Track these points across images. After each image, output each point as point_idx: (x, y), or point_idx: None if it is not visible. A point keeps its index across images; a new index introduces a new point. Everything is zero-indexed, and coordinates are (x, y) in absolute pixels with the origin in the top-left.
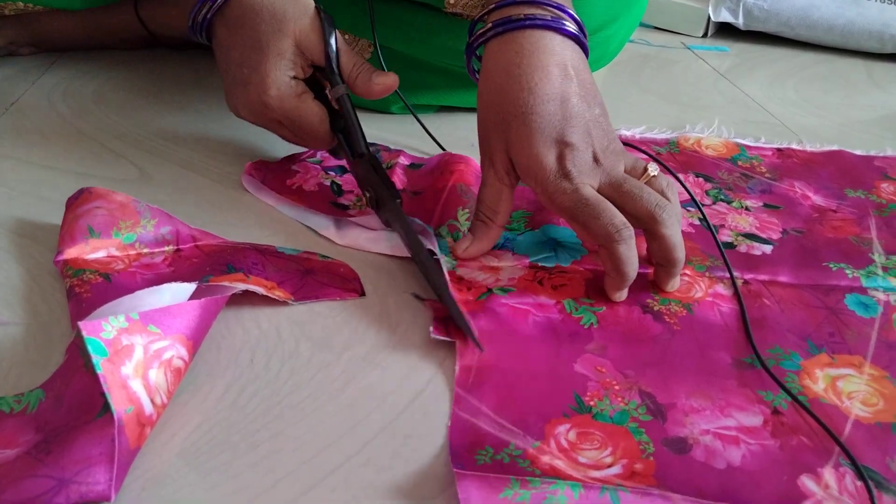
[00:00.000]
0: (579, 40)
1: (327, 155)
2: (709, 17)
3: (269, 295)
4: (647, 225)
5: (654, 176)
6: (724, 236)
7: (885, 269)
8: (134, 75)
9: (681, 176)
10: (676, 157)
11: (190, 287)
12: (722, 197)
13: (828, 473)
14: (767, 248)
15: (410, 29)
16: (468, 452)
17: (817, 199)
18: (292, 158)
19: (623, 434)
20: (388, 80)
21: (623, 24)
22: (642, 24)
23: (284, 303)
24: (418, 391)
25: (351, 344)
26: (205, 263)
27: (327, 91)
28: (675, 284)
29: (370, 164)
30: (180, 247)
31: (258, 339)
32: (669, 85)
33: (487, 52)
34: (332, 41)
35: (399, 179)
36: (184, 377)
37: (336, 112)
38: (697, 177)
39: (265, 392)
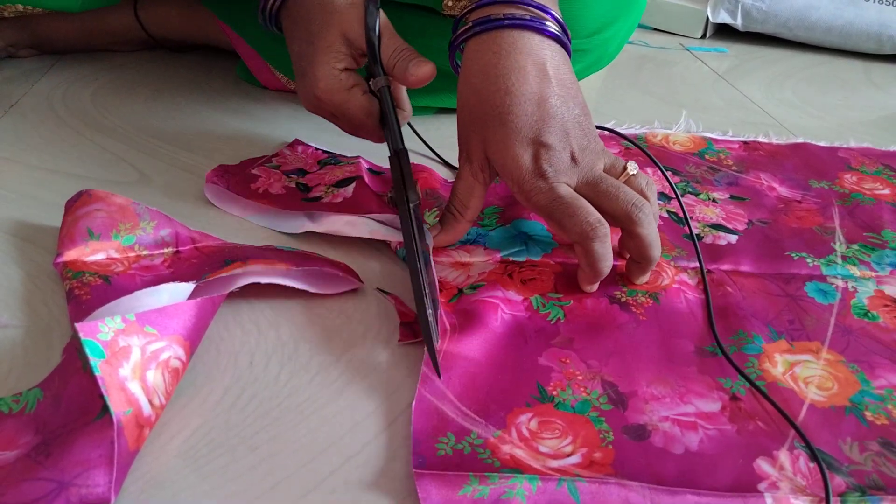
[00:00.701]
0: (560, 40)
1: (283, 160)
2: (707, 19)
3: (270, 267)
4: (623, 224)
5: (632, 175)
6: (692, 227)
7: (844, 257)
8: (133, 77)
9: (650, 170)
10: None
11: (188, 287)
12: (690, 189)
13: (783, 456)
14: (733, 238)
15: (409, 31)
16: (430, 439)
17: (783, 191)
18: (252, 162)
19: (583, 423)
20: (423, 71)
21: (622, 26)
22: (641, 26)
23: (284, 303)
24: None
25: (350, 346)
26: (203, 264)
27: (370, 82)
28: (645, 278)
29: (397, 162)
30: (180, 249)
31: (257, 340)
32: (668, 86)
33: (467, 51)
34: (375, 28)
35: (365, 172)
36: (182, 379)
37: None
38: (667, 169)
39: (264, 394)
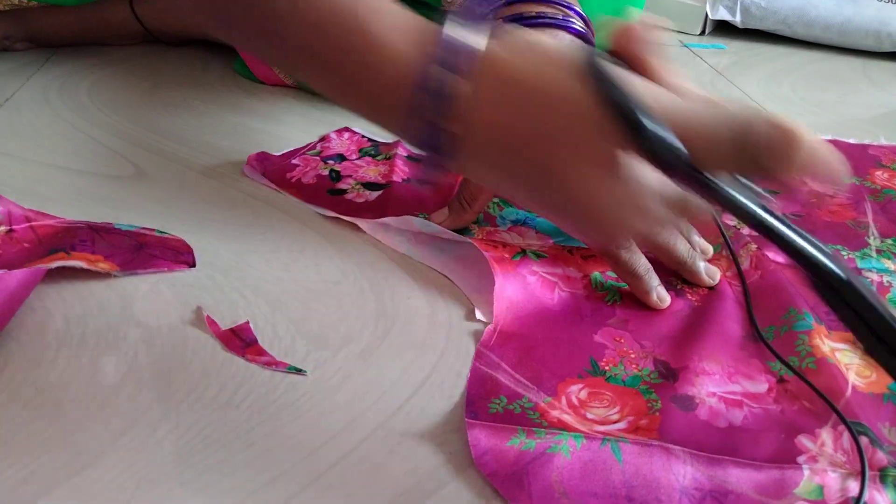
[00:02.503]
0: (586, 38)
1: (327, 145)
2: (706, 15)
3: (92, 268)
4: (674, 268)
5: None
6: (728, 219)
7: (879, 251)
8: (130, 71)
9: None
10: None
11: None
12: None
13: (825, 433)
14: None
15: None
16: (482, 400)
17: (814, 185)
18: (294, 153)
19: (633, 395)
20: None
21: None
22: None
23: (281, 298)
24: (414, 389)
25: (347, 341)
26: (36, 248)
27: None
28: (706, 276)
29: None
30: (13, 227)
31: (255, 336)
32: None
33: None
34: None
35: (401, 170)
36: (178, 374)
37: None
38: None
39: (260, 390)
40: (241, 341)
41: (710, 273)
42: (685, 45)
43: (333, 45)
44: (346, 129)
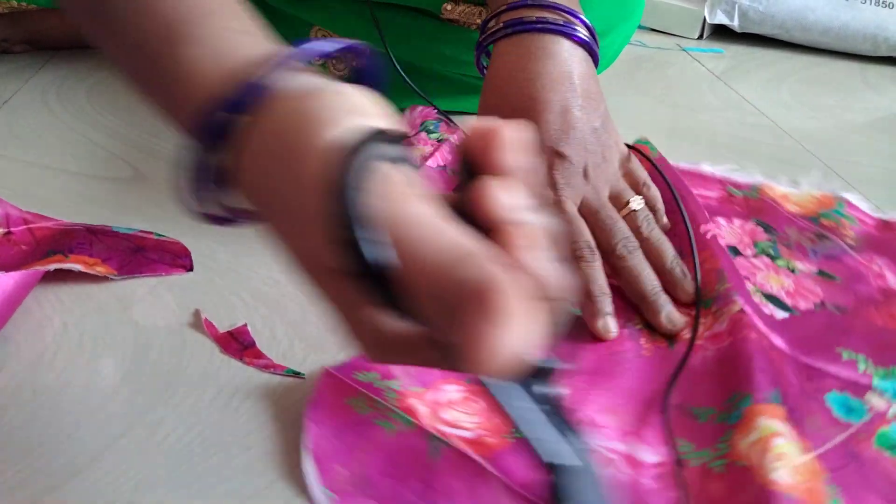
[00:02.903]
0: (590, 47)
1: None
2: (704, 19)
3: (89, 271)
4: (608, 258)
5: (634, 210)
6: (710, 276)
7: None
8: None
9: (739, 221)
10: (750, 203)
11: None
12: (769, 252)
13: None
14: (781, 315)
15: (409, 36)
16: (357, 368)
17: (893, 282)
18: None
19: (505, 414)
20: None
21: (621, 33)
22: (638, 26)
23: (279, 300)
24: None
25: (345, 345)
26: (34, 251)
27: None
28: (661, 317)
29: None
30: (11, 229)
31: (252, 339)
32: (664, 87)
33: (495, 52)
34: None
35: (442, 155)
36: (176, 378)
37: None
38: (757, 225)
39: (258, 393)
40: (238, 344)
41: (671, 318)
42: (683, 49)
43: (147, 62)
44: (416, 107)
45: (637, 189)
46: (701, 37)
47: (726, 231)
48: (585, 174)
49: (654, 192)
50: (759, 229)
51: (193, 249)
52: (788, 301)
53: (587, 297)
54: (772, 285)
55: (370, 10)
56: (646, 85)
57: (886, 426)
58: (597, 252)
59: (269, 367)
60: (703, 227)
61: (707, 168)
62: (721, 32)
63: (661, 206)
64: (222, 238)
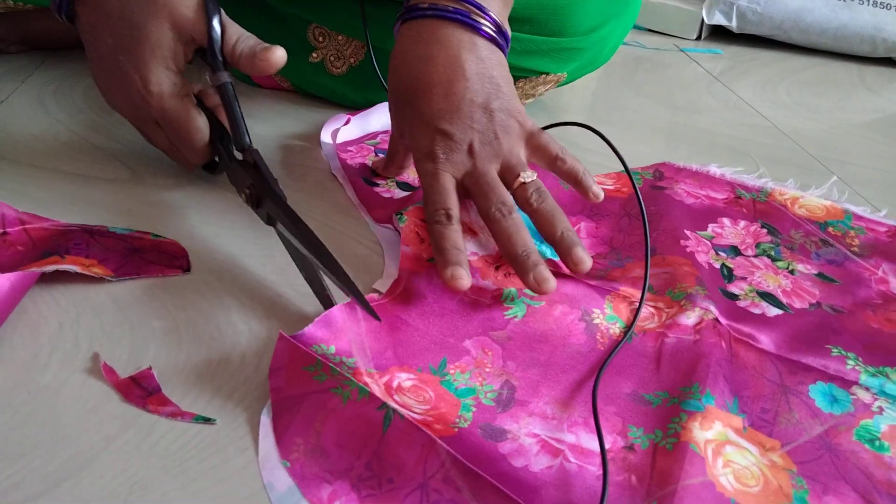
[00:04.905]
0: (490, 37)
1: (386, 137)
2: (702, 20)
3: (86, 272)
4: (487, 223)
5: (524, 182)
6: (735, 288)
7: None
8: None
9: (744, 222)
10: (757, 205)
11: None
12: (770, 254)
13: None
14: (773, 312)
15: (375, 22)
16: (315, 340)
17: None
18: (374, 134)
19: (452, 404)
20: (275, 57)
21: (618, 25)
22: (636, 27)
23: (276, 301)
24: None
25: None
26: (30, 252)
27: (207, 76)
28: (530, 278)
29: (252, 159)
30: (7, 230)
31: (249, 340)
32: (663, 87)
33: (397, 36)
34: (216, 21)
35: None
36: (173, 379)
37: (217, 123)
38: (762, 227)
39: (255, 394)
40: (142, 390)
41: (538, 277)
42: (681, 50)
43: None
44: None
45: (551, 164)
46: (699, 38)
47: (730, 231)
48: (471, 150)
49: (569, 166)
50: (763, 231)
51: (189, 250)
52: (784, 299)
53: (438, 253)
54: (768, 283)
55: (360, 5)
56: (644, 86)
57: (869, 419)
58: (455, 218)
59: (177, 414)
60: (682, 242)
61: (716, 170)
62: (719, 33)
63: (578, 174)
64: (219, 239)
